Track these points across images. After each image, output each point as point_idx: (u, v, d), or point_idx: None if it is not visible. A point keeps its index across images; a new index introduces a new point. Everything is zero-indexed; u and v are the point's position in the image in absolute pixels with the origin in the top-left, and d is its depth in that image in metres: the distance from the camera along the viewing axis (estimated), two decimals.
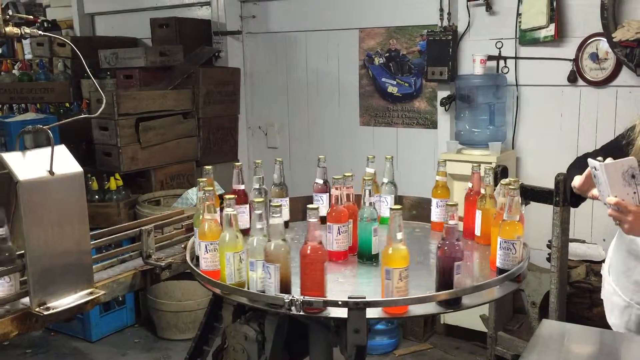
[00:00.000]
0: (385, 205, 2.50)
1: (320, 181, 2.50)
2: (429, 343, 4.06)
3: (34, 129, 1.89)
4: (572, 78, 3.63)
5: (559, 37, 3.61)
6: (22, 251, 1.80)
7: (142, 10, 5.49)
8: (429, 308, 1.77)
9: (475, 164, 2.34)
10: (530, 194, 2.88)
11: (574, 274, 3.22)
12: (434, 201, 2.44)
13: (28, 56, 6.04)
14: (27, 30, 2.05)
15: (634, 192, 1.74)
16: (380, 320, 3.55)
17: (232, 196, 2.04)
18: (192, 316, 4.11)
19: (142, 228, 2.27)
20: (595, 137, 3.62)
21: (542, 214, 3.13)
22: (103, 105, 2.21)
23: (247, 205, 2.37)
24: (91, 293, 1.91)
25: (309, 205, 1.78)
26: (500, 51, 3.81)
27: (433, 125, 4.28)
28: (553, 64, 3.68)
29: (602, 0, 3.38)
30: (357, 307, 1.68)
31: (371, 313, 1.73)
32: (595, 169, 1.76)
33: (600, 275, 3.20)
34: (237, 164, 2.43)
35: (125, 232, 2.31)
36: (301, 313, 1.71)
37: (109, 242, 2.30)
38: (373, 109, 4.58)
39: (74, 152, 1.94)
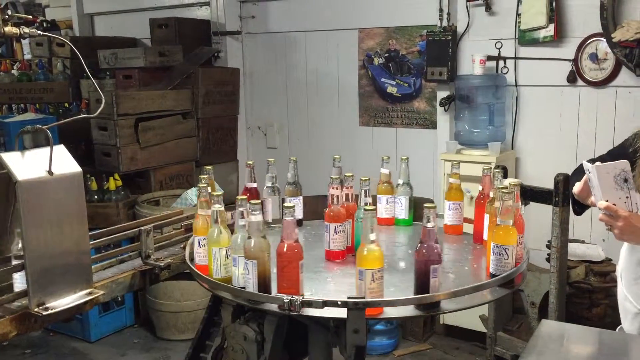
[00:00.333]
0: (399, 207, 2.48)
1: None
2: (429, 343, 4.06)
3: (33, 129, 1.89)
4: (572, 78, 3.63)
5: (559, 37, 3.61)
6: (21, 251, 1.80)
7: (142, 10, 5.49)
8: (407, 311, 1.74)
9: (486, 167, 2.27)
10: (529, 194, 2.87)
11: (574, 274, 3.22)
12: (447, 204, 2.39)
13: (27, 56, 6.03)
14: (26, 30, 2.04)
15: (627, 197, 1.70)
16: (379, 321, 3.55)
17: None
18: (191, 316, 4.10)
19: (141, 228, 2.26)
20: (595, 137, 3.62)
21: (541, 214, 3.13)
22: (102, 105, 2.21)
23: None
24: (90, 293, 1.91)
25: (285, 204, 1.79)
26: (499, 51, 3.81)
27: (432, 125, 4.28)
28: (552, 64, 3.68)
29: (602, 1, 3.38)
30: (356, 307, 1.68)
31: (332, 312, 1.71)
32: (589, 172, 1.73)
33: (600, 276, 3.24)
34: (249, 162, 2.46)
35: (125, 232, 2.31)
36: (276, 310, 1.73)
37: (108, 242, 2.30)
38: (372, 109, 4.58)
39: (73, 152, 1.94)
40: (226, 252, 1.90)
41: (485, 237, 2.19)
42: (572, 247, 3.22)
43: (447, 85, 4.02)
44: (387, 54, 4.44)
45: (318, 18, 4.67)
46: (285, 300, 1.68)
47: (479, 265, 2.12)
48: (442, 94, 4.06)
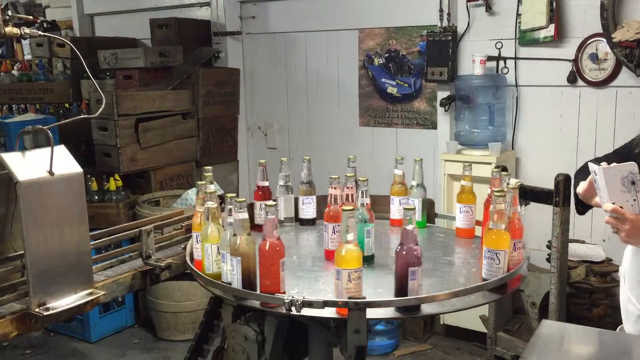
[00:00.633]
0: None
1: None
2: (429, 344, 4.06)
3: (34, 129, 1.89)
4: (572, 78, 3.63)
5: (559, 37, 3.61)
6: (22, 251, 1.80)
7: (142, 10, 5.49)
8: (387, 312, 1.74)
9: (495, 169, 2.21)
10: (530, 195, 2.87)
11: (574, 274, 3.22)
12: (458, 206, 2.36)
13: (27, 57, 6.03)
14: (27, 30, 2.05)
15: (634, 200, 1.66)
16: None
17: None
18: (191, 317, 4.10)
19: (142, 229, 2.26)
20: (595, 137, 3.62)
21: (542, 215, 3.13)
22: (103, 106, 2.21)
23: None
24: (91, 293, 1.91)
25: (267, 202, 1.80)
26: (499, 52, 3.81)
27: (433, 125, 4.28)
28: (553, 65, 3.68)
29: (602, 1, 3.38)
30: (357, 307, 1.68)
31: (324, 313, 1.72)
32: (595, 174, 1.70)
33: (600, 276, 3.24)
34: (261, 161, 2.50)
35: (125, 233, 2.31)
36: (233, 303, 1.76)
37: (109, 243, 2.30)
38: (373, 109, 4.58)
39: (74, 153, 1.94)
40: (217, 249, 1.94)
41: None
42: (572, 247, 3.23)
43: (447, 85, 4.02)
44: (387, 54, 4.44)
45: (318, 18, 4.67)
46: (286, 301, 1.69)
47: (479, 269, 2.11)
48: (442, 94, 4.06)
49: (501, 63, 3.82)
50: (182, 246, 2.38)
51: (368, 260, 2.08)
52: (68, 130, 3.22)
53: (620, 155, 1.93)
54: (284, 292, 1.77)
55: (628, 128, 3.47)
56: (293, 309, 1.68)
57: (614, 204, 1.69)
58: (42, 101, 5.09)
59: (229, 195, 1.91)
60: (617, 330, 2.11)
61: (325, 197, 2.54)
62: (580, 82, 3.62)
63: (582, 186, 1.89)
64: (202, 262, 2.01)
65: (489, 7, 3.79)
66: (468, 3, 3.86)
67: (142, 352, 4.10)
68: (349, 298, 1.69)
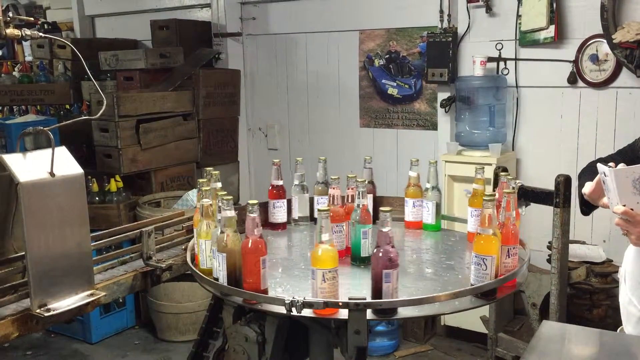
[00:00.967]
0: (426, 211, 2.44)
1: (365, 182, 2.51)
2: (429, 344, 4.06)
3: (35, 130, 1.90)
4: (572, 79, 3.64)
5: (559, 38, 3.61)
6: (23, 252, 1.80)
7: (142, 12, 5.50)
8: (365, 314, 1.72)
9: (503, 173, 2.18)
10: (530, 196, 2.87)
11: (575, 275, 3.22)
12: (470, 210, 2.32)
13: (28, 58, 6.05)
14: (28, 32, 2.05)
15: None
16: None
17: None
18: (192, 318, 4.11)
19: (143, 230, 2.26)
20: (596, 138, 3.63)
21: (542, 216, 3.13)
22: (104, 107, 2.21)
23: (285, 200, 2.50)
24: (92, 294, 1.91)
25: (249, 201, 1.82)
26: (500, 53, 3.81)
27: (433, 126, 4.28)
28: (553, 66, 3.68)
29: (602, 2, 3.39)
30: (357, 308, 1.68)
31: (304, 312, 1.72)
32: (605, 175, 1.66)
33: (601, 277, 3.23)
34: (275, 160, 2.53)
35: (126, 234, 2.31)
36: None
37: (110, 244, 2.30)
38: (373, 110, 4.59)
39: (74, 154, 1.94)
40: (210, 245, 1.97)
41: None
42: (573, 248, 3.23)
43: (447, 86, 4.02)
44: (387, 56, 4.44)
45: (319, 20, 4.68)
46: (287, 302, 1.69)
47: None
48: (442, 95, 4.06)
49: (501, 64, 3.82)
50: (183, 247, 2.38)
51: (365, 262, 2.08)
52: (69, 131, 3.22)
53: (624, 155, 1.91)
54: (265, 290, 1.80)
55: (628, 129, 3.48)
56: (294, 309, 1.68)
57: (624, 206, 1.66)
58: (42, 102, 5.10)
59: (219, 193, 1.94)
60: (618, 331, 2.10)
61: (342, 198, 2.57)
62: (580, 83, 3.63)
63: (588, 187, 1.86)
64: (197, 257, 2.07)
65: (489, 9, 3.80)
66: (468, 4, 3.87)
67: (143, 353, 4.10)
68: (349, 299, 1.69)
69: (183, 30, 4.95)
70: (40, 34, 2.14)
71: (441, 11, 3.98)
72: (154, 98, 4.41)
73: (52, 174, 1.82)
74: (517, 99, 3.84)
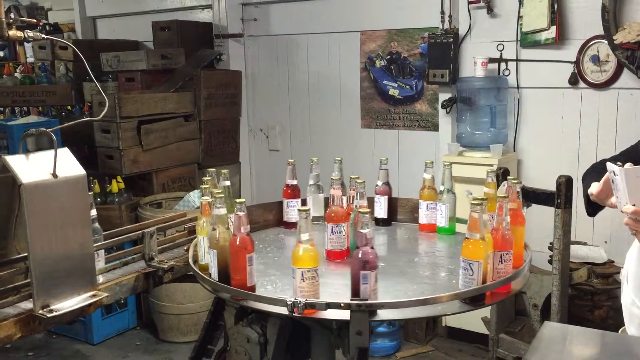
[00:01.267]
0: (440, 214, 2.41)
1: (380, 183, 2.53)
2: (431, 345, 4.06)
3: (38, 131, 1.90)
4: (573, 80, 3.64)
5: (560, 39, 3.61)
6: (26, 254, 1.81)
7: (144, 13, 5.51)
8: (343, 314, 1.71)
9: (512, 179, 2.09)
10: (531, 196, 2.88)
11: (576, 276, 3.22)
12: None
13: (30, 59, 6.06)
14: (31, 33, 2.06)
15: None
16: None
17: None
18: (194, 319, 4.11)
19: (145, 231, 2.27)
20: (597, 139, 3.63)
21: (543, 216, 3.13)
22: (106, 108, 2.22)
23: (299, 200, 2.52)
24: (94, 295, 1.92)
25: (236, 200, 1.84)
26: (501, 53, 3.81)
27: (434, 127, 4.28)
28: (554, 66, 3.68)
29: (603, 3, 3.39)
30: (359, 309, 1.68)
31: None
32: (614, 174, 1.64)
33: (602, 277, 3.23)
34: (290, 160, 2.53)
35: (128, 235, 2.32)
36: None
37: (112, 245, 2.30)
38: (374, 111, 4.59)
39: (76, 155, 1.94)
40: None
41: None
42: (574, 249, 3.23)
43: (448, 87, 4.03)
44: (388, 56, 4.45)
45: (320, 21, 4.68)
46: (289, 302, 1.69)
47: None
48: (443, 96, 4.07)
49: (502, 65, 3.82)
50: (185, 248, 2.39)
51: None
52: (70, 132, 3.22)
53: (628, 156, 1.88)
54: (251, 287, 1.82)
55: (629, 130, 3.48)
56: (295, 310, 1.68)
57: (634, 205, 1.63)
58: (44, 103, 5.11)
59: (214, 191, 1.96)
60: (619, 332, 2.10)
61: (370, 199, 2.52)
62: (581, 84, 3.63)
63: (595, 187, 1.84)
64: (197, 253, 2.10)
65: (490, 9, 3.80)
66: (469, 5, 3.87)
67: (145, 354, 4.10)
68: (351, 299, 1.70)
69: (184, 32, 4.96)
70: (42, 35, 2.14)
71: (442, 12, 3.99)
72: (156, 99, 4.42)
73: (54, 175, 1.82)
74: (518, 99, 3.85)
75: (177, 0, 5.38)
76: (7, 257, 2.04)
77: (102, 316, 4.18)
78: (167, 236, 2.53)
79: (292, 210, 2.53)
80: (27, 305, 1.84)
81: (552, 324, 1.96)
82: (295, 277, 1.73)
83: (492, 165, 3.47)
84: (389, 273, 2.06)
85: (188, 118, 4.66)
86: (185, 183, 4.65)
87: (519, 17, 3.72)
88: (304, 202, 2.55)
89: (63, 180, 1.84)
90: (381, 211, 2.54)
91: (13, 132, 4.23)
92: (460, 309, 1.81)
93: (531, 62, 3.76)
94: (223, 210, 1.87)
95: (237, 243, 1.81)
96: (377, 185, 2.53)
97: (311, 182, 2.50)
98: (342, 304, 1.69)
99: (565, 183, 2.72)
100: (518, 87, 3.83)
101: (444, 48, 3.93)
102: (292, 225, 2.54)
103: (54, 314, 1.78)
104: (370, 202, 2.51)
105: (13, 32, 2.03)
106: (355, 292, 1.71)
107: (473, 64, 3.78)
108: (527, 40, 3.72)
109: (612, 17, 3.39)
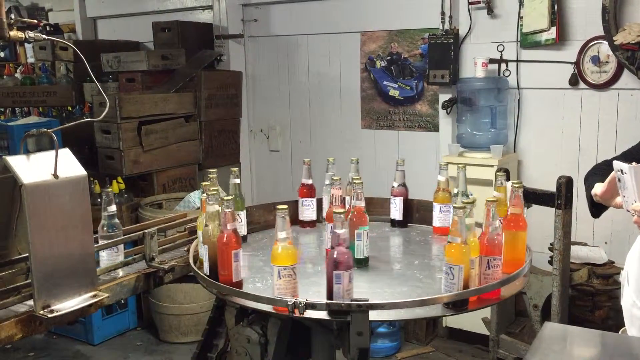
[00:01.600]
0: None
1: (396, 184, 2.53)
2: (431, 346, 4.06)
3: (38, 132, 1.90)
4: (574, 81, 3.64)
5: (560, 40, 3.61)
6: (27, 254, 1.81)
7: (144, 14, 5.51)
8: (320, 314, 1.72)
9: (515, 183, 2.04)
10: (532, 197, 2.88)
11: (576, 276, 3.22)
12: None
13: (30, 60, 6.05)
14: (31, 34, 2.06)
15: None
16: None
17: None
18: (194, 319, 4.11)
19: (145, 231, 2.27)
20: (597, 140, 3.63)
21: (544, 217, 3.13)
22: (107, 109, 2.22)
23: (314, 199, 2.55)
24: (95, 296, 1.92)
25: (223, 197, 1.88)
26: (501, 54, 3.82)
27: (435, 128, 4.29)
28: (554, 67, 3.68)
29: (604, 3, 3.39)
30: (359, 309, 1.68)
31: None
32: (622, 172, 1.62)
33: (602, 278, 3.23)
34: (306, 160, 2.56)
35: (129, 235, 2.32)
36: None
37: (112, 245, 2.30)
38: (375, 112, 4.59)
39: (77, 156, 1.95)
40: None
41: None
42: (574, 249, 3.23)
43: (449, 88, 4.03)
44: (389, 57, 4.45)
45: (320, 21, 4.68)
46: (289, 303, 1.69)
47: None
48: (444, 97, 4.07)
49: (503, 66, 3.83)
50: (185, 248, 2.39)
51: (361, 263, 2.08)
52: (71, 133, 3.22)
53: (629, 156, 1.87)
54: (237, 282, 1.86)
55: (630, 130, 3.48)
56: (296, 311, 1.68)
57: None
58: (45, 104, 5.11)
59: (210, 189, 2.00)
60: (620, 332, 2.10)
61: (387, 200, 2.59)
62: (582, 85, 3.63)
63: (600, 187, 1.82)
64: (198, 249, 2.13)
65: (490, 10, 3.80)
66: (470, 6, 3.87)
67: (145, 354, 4.10)
68: (351, 300, 1.70)
69: (185, 32, 4.96)
70: (43, 36, 2.14)
71: (442, 13, 3.99)
72: (156, 100, 4.42)
73: (55, 175, 1.82)
74: (519, 100, 3.85)
75: (177, 1, 5.38)
76: (8, 257, 2.04)
77: (103, 317, 4.18)
78: (167, 237, 2.53)
79: (306, 209, 2.55)
80: (28, 305, 1.84)
81: (552, 325, 1.96)
82: (273, 274, 1.75)
83: (492, 166, 3.47)
84: (386, 274, 2.08)
85: (188, 119, 4.66)
86: (185, 184, 4.65)
87: (519, 17, 3.72)
88: (319, 202, 2.57)
89: (64, 180, 1.84)
90: (397, 213, 2.54)
91: (14, 132, 4.22)
92: (444, 313, 1.81)
93: (531, 63, 3.77)
94: (215, 207, 1.91)
95: (225, 239, 1.85)
96: (393, 186, 2.53)
97: (327, 182, 2.49)
98: (343, 305, 1.69)
99: (566, 184, 2.73)
100: (518, 88, 3.83)
101: (444, 49, 3.94)
102: (307, 224, 2.57)
103: (55, 314, 1.79)
104: (386, 204, 2.55)
105: (14, 33, 2.03)
106: (330, 292, 1.73)
107: (473, 65, 3.78)
108: (527, 41, 3.72)
109: (612, 18, 3.39)
